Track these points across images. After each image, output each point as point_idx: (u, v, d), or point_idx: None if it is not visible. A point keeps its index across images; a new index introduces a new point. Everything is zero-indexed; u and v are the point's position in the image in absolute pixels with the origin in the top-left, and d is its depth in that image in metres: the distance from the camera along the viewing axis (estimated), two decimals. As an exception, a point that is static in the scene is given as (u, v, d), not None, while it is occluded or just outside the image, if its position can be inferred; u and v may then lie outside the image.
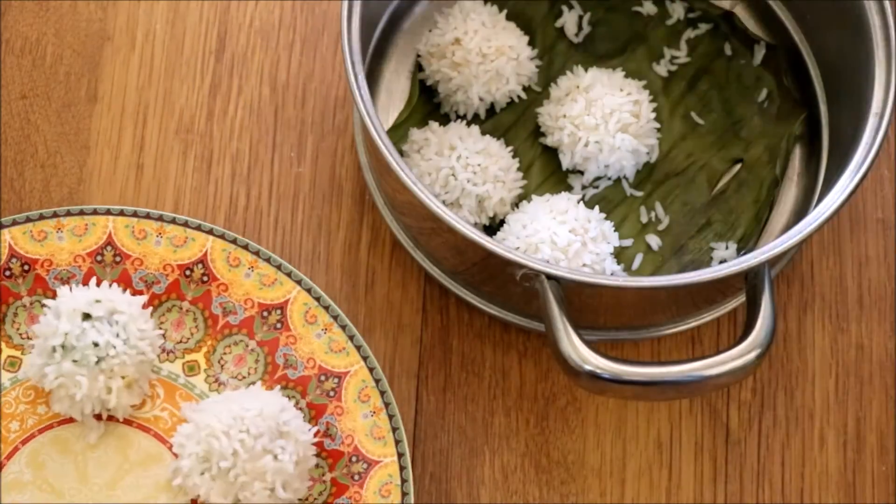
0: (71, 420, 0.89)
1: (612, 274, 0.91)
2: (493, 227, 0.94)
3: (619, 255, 0.94)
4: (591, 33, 1.00)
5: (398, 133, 0.95)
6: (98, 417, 0.89)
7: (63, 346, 0.86)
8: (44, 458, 0.88)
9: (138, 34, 1.00)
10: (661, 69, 0.99)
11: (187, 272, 0.92)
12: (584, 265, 0.89)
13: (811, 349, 0.95)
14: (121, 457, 0.89)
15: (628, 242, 0.95)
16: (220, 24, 1.01)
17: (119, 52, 1.00)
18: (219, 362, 0.91)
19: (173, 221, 0.92)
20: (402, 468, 0.87)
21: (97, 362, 0.86)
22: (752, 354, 0.82)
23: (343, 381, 0.89)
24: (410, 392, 0.93)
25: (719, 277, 0.83)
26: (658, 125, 0.97)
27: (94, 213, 0.92)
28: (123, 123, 0.99)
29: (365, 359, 0.89)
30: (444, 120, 0.97)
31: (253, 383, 0.90)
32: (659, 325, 0.94)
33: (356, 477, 0.88)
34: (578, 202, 0.92)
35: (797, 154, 0.98)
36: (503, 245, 0.84)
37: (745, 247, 0.95)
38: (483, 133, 0.95)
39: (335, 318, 0.90)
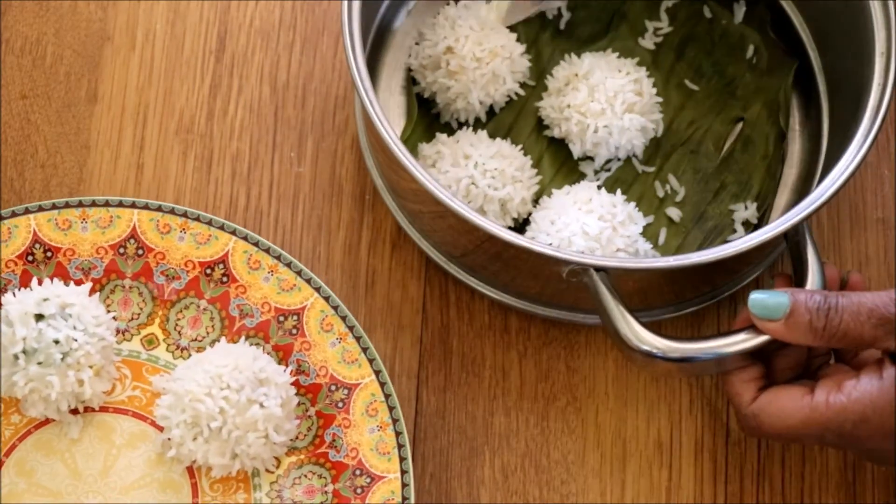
0: (47, 421, 0.89)
1: (644, 253, 0.92)
2: (516, 227, 0.94)
3: (644, 232, 0.94)
4: (572, 19, 1.00)
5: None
6: (74, 412, 0.89)
7: (24, 352, 0.86)
8: (32, 464, 0.88)
9: (138, 34, 1.00)
10: (648, 43, 0.99)
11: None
12: (618, 250, 0.90)
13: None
14: (107, 444, 0.89)
15: (650, 219, 0.95)
16: (220, 24, 1.01)
17: (119, 52, 1.00)
18: None
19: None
20: (404, 485, 0.87)
21: (63, 358, 0.86)
22: None
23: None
24: (410, 392, 0.93)
25: (764, 241, 0.84)
26: (660, 99, 0.97)
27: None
28: (123, 123, 0.99)
29: (377, 373, 0.89)
30: (445, 129, 0.97)
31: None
32: (690, 302, 0.94)
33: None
34: (599, 189, 0.92)
35: (795, 104, 0.99)
36: (551, 246, 0.85)
37: (763, 204, 0.96)
38: (489, 136, 0.95)
39: (351, 328, 0.90)
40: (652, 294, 0.92)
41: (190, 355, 0.91)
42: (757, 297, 0.82)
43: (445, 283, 0.95)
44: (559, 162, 0.97)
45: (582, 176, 0.96)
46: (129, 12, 1.01)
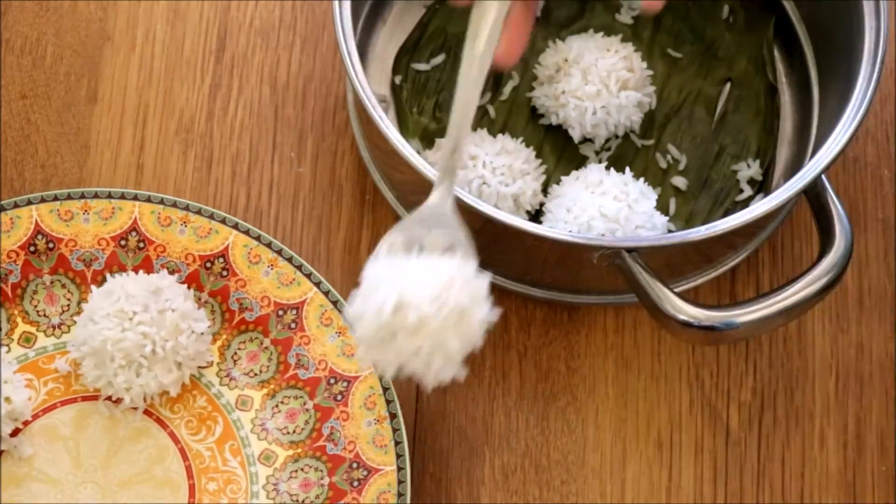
0: (53, 407, 0.90)
1: (662, 226, 0.92)
2: (530, 219, 0.94)
3: (655, 205, 0.95)
4: (547, 4, 1.00)
5: None
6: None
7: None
8: (35, 448, 0.89)
9: (138, 34, 1.00)
10: (625, 17, 1.00)
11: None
12: (637, 227, 0.90)
13: (811, 349, 0.95)
14: (110, 436, 0.89)
15: (658, 191, 0.95)
16: (220, 24, 1.01)
17: (119, 52, 1.00)
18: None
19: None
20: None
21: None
22: (843, 256, 0.85)
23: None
24: (410, 392, 0.93)
25: (785, 200, 0.85)
26: (650, 72, 0.97)
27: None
28: (123, 123, 0.99)
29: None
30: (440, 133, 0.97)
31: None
32: (720, 263, 0.95)
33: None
34: (608, 169, 0.93)
35: (778, 56, 1.00)
36: (583, 235, 0.85)
37: (765, 160, 0.97)
38: (498, 123, 0.96)
39: (279, 252, 0.91)
40: (683, 263, 0.93)
41: (236, 387, 0.91)
42: None
43: (445, 283, 0.95)
44: (559, 148, 0.97)
45: (584, 159, 0.97)
46: (129, 12, 1.01)
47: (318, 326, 0.91)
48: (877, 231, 0.98)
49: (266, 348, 0.91)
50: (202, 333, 0.89)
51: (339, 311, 0.90)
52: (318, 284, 0.91)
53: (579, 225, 0.90)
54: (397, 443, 0.88)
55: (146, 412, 0.90)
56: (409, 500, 0.87)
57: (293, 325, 0.91)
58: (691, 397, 0.94)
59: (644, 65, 0.97)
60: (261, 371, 0.91)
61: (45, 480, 0.88)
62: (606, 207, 0.90)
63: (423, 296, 0.74)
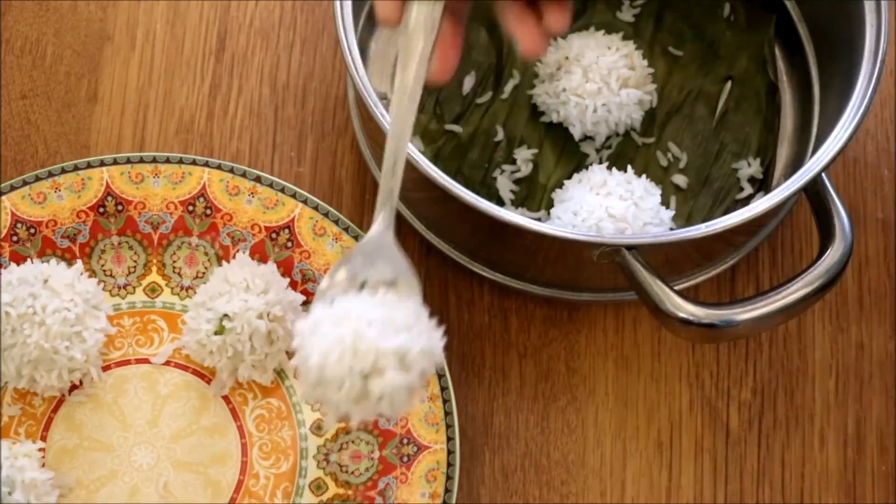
0: (76, 386, 0.91)
1: (669, 221, 0.92)
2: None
3: None
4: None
5: None
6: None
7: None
8: (80, 418, 0.90)
9: (138, 34, 1.00)
10: (626, 15, 1.00)
11: (189, 207, 0.93)
12: (646, 224, 0.90)
13: (811, 349, 0.95)
14: (152, 395, 0.91)
15: (659, 189, 0.95)
16: (220, 24, 1.01)
17: (119, 52, 1.00)
18: None
19: (271, 185, 0.93)
20: (449, 453, 0.88)
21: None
22: (844, 254, 0.84)
23: None
24: (410, 392, 0.93)
25: (786, 198, 0.85)
26: (651, 70, 0.97)
27: (193, 163, 0.93)
28: (123, 123, 0.99)
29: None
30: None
31: None
32: (721, 261, 0.95)
33: (405, 459, 0.89)
34: (610, 169, 0.93)
35: (778, 55, 1.00)
36: (584, 232, 0.86)
37: (765, 158, 0.97)
38: (482, 127, 0.96)
39: (346, 229, 0.92)
40: (683, 261, 0.93)
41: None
42: None
43: (445, 285, 0.95)
44: (560, 146, 0.97)
45: (584, 156, 0.97)
46: (129, 12, 1.01)
47: (314, 239, 0.92)
48: (877, 231, 0.98)
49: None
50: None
51: (331, 220, 0.92)
52: (305, 202, 0.92)
53: (588, 227, 0.90)
54: (448, 426, 0.89)
55: (183, 367, 0.91)
56: (457, 479, 0.87)
57: (289, 245, 0.92)
58: (691, 397, 0.94)
59: (645, 63, 0.97)
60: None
61: (98, 448, 0.90)
62: (614, 207, 0.90)
63: (380, 340, 0.73)
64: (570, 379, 0.94)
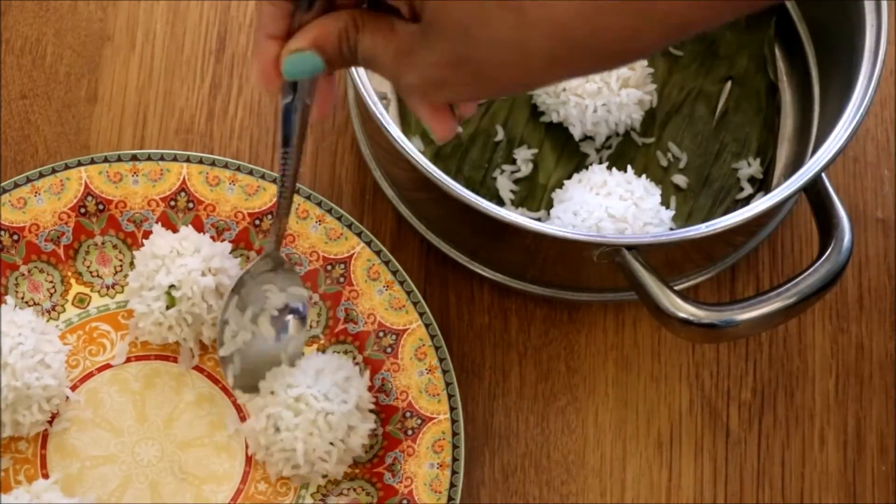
0: (127, 361, 0.91)
1: (670, 220, 0.92)
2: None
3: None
4: None
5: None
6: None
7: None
8: (102, 396, 0.91)
9: (138, 34, 1.00)
10: None
11: (171, 203, 0.93)
12: (646, 224, 0.90)
13: (811, 349, 0.95)
14: (177, 397, 0.91)
15: (659, 189, 0.95)
16: (220, 24, 1.01)
17: (119, 52, 1.00)
18: None
19: (250, 173, 0.93)
20: (454, 430, 0.88)
21: None
22: (844, 255, 0.85)
23: (401, 338, 0.91)
24: (410, 392, 0.93)
25: (786, 198, 0.85)
26: (651, 70, 0.97)
27: (175, 159, 0.93)
28: (123, 123, 0.99)
29: (421, 315, 0.91)
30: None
31: (314, 337, 0.92)
32: (721, 261, 0.95)
33: (409, 432, 0.89)
34: (609, 169, 0.93)
35: (778, 55, 1.00)
36: (584, 232, 0.86)
37: (765, 158, 0.97)
38: (482, 127, 0.96)
39: (395, 273, 0.91)
40: (683, 262, 0.93)
41: None
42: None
43: (445, 286, 0.95)
44: (560, 146, 0.97)
45: (584, 156, 0.97)
46: (129, 12, 1.01)
47: (366, 280, 0.92)
48: (877, 231, 0.98)
49: (315, 303, 0.92)
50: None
51: (384, 264, 0.92)
52: (360, 235, 0.92)
53: (588, 227, 0.90)
54: (450, 396, 0.89)
55: (214, 379, 0.91)
56: (463, 447, 0.88)
57: (341, 280, 0.92)
58: (691, 397, 0.94)
59: (645, 63, 0.97)
60: (311, 326, 0.92)
61: (109, 428, 0.90)
62: (613, 208, 0.90)
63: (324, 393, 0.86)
64: (570, 379, 0.94)
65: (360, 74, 0.86)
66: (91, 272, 0.93)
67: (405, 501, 0.88)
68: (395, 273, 0.91)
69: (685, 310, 0.83)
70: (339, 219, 0.92)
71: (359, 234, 0.92)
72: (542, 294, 0.94)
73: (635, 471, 0.93)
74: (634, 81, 0.95)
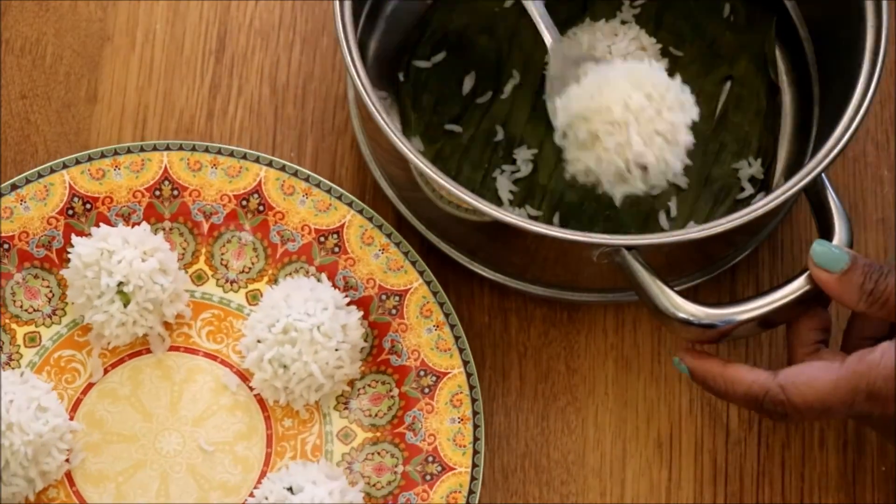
0: (105, 371, 0.92)
1: (685, 145, 0.90)
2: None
3: (654, 202, 0.95)
4: (547, 3, 0.99)
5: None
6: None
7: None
8: (101, 414, 0.91)
9: (138, 34, 1.00)
10: (626, 15, 1.00)
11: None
12: (657, 132, 0.88)
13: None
14: (168, 382, 0.92)
15: (658, 190, 0.95)
16: (220, 24, 1.01)
17: (119, 52, 1.00)
18: None
19: (231, 154, 0.94)
20: (468, 375, 0.89)
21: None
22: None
23: (404, 298, 0.91)
24: (410, 392, 0.93)
25: (786, 199, 0.85)
26: (660, 45, 0.98)
27: (154, 149, 0.94)
28: (123, 123, 0.99)
29: (422, 273, 0.91)
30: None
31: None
32: (721, 262, 0.95)
33: (426, 390, 0.89)
34: (659, 69, 0.90)
35: (778, 55, 1.00)
36: (583, 233, 0.85)
37: (766, 158, 0.97)
38: (482, 127, 0.96)
39: (389, 235, 0.92)
40: (683, 262, 0.93)
41: (240, 288, 0.93)
42: (821, 247, 0.83)
43: (445, 285, 0.95)
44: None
45: None
46: (129, 12, 1.01)
47: (361, 247, 0.92)
48: (877, 231, 0.98)
49: (312, 276, 0.93)
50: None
51: (380, 230, 0.92)
52: (351, 205, 0.93)
53: (599, 104, 0.87)
54: (461, 350, 0.90)
55: (193, 351, 0.92)
56: (482, 399, 0.89)
57: (336, 250, 0.92)
58: (691, 397, 0.94)
59: (653, 40, 0.97)
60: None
61: (122, 440, 0.90)
62: (633, 99, 0.87)
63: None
64: (569, 379, 0.94)
65: (360, 74, 0.86)
66: (26, 309, 0.92)
67: (431, 458, 0.88)
68: (389, 235, 0.92)
69: (685, 310, 0.83)
70: (328, 191, 0.93)
71: (340, 198, 0.93)
72: (542, 294, 0.94)
73: (635, 471, 0.93)
74: (651, 58, 0.95)
